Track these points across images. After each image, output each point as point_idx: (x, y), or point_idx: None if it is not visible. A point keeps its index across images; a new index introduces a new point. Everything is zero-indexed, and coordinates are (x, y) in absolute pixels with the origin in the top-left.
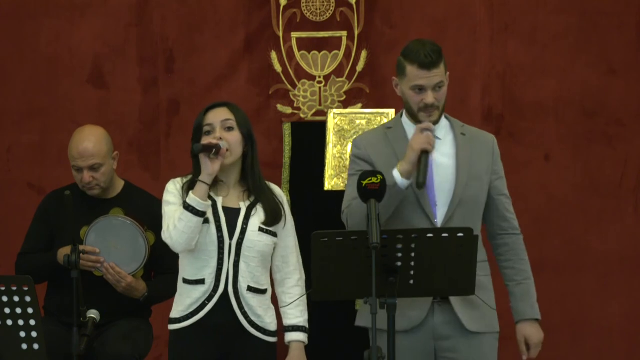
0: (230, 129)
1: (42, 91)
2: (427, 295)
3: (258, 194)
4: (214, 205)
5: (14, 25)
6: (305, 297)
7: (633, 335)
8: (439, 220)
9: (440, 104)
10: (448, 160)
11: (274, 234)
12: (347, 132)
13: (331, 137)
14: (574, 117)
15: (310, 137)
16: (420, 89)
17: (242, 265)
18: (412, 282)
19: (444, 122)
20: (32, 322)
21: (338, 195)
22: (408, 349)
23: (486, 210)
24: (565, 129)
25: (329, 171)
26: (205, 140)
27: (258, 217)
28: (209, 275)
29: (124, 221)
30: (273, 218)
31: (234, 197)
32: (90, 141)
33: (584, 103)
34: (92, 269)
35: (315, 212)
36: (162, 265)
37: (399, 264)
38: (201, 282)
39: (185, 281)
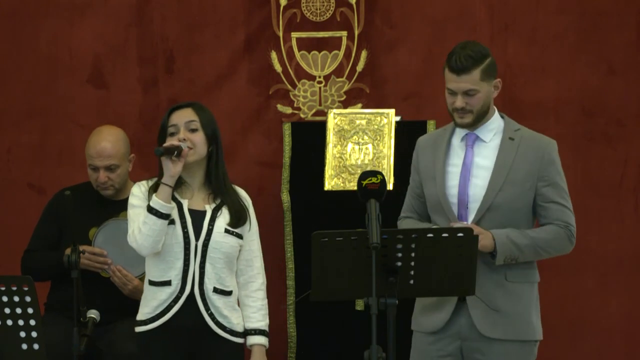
0: (194, 130)
1: (42, 91)
2: (427, 295)
3: (222, 195)
4: (180, 207)
5: (14, 25)
6: (266, 301)
7: (633, 335)
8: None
9: (474, 108)
10: (487, 164)
11: (240, 236)
12: (347, 132)
13: (331, 137)
14: (574, 117)
15: (310, 137)
16: (452, 92)
17: (207, 266)
18: (412, 282)
19: (494, 124)
20: (32, 322)
21: (338, 195)
22: (435, 351)
23: (538, 218)
24: (565, 129)
25: (329, 171)
26: (169, 142)
27: (223, 218)
28: (175, 276)
29: None
30: (237, 219)
31: (199, 200)
32: (109, 141)
33: (583, 103)
34: (100, 270)
35: (315, 212)
36: None
37: (399, 264)
38: (167, 283)
39: (151, 283)
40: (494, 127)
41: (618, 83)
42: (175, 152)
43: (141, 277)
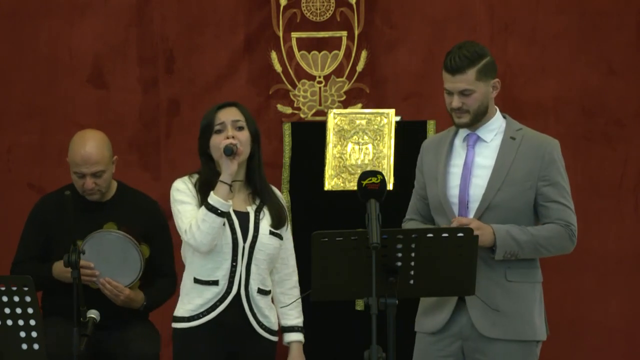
0: (240, 128)
1: (42, 91)
2: (427, 295)
3: (264, 196)
4: None
5: (14, 25)
6: (300, 298)
7: (633, 335)
8: None
9: (471, 108)
10: (488, 164)
11: (281, 237)
12: (347, 132)
13: (331, 137)
14: (574, 117)
15: (310, 137)
16: (449, 92)
17: (253, 267)
18: (412, 282)
19: (495, 124)
20: (32, 322)
21: (338, 195)
22: (436, 351)
23: (539, 217)
24: (565, 129)
25: (329, 171)
26: (217, 139)
27: (267, 220)
28: (222, 277)
29: (117, 236)
30: (280, 221)
31: (240, 201)
32: (93, 147)
33: (583, 103)
34: (88, 283)
35: (315, 212)
36: (158, 269)
37: (399, 264)
38: (214, 283)
39: (197, 281)
40: (495, 127)
41: (618, 83)
42: (233, 151)
43: (131, 286)
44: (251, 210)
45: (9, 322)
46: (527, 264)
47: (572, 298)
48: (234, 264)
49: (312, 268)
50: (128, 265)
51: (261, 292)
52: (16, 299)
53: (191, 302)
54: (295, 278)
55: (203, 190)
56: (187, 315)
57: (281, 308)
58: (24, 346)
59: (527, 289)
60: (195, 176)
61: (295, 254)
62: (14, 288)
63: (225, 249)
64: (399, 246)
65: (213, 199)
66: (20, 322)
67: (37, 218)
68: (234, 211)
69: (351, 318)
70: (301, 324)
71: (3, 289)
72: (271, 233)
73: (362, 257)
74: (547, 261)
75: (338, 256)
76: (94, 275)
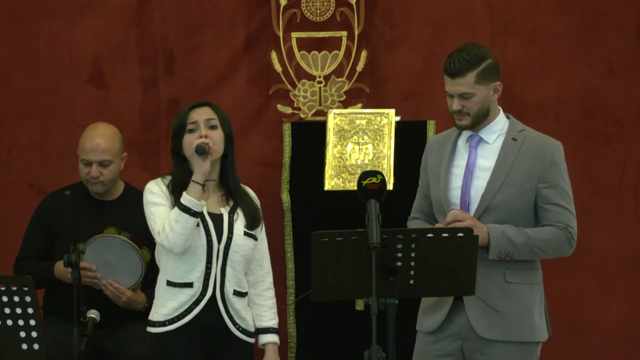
0: (213, 127)
1: (42, 91)
2: (427, 295)
3: (237, 197)
4: None
5: (14, 25)
6: (275, 300)
7: (633, 335)
8: None
9: (471, 111)
10: (490, 165)
11: (255, 238)
12: (347, 132)
13: (331, 137)
14: (574, 117)
15: (310, 137)
16: (449, 95)
17: (228, 269)
18: (412, 282)
19: (498, 125)
20: (32, 322)
21: (338, 195)
22: (435, 350)
23: (539, 219)
24: (565, 129)
25: (329, 171)
26: (190, 138)
27: (241, 221)
28: (197, 279)
29: (118, 240)
30: (254, 222)
31: (214, 202)
32: (104, 137)
33: (583, 103)
34: (90, 284)
35: (315, 212)
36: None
37: (399, 264)
38: (189, 285)
39: (170, 283)
40: (498, 129)
41: (618, 83)
42: (205, 150)
43: (133, 288)
44: (225, 211)
45: (9, 322)
46: (526, 265)
47: (572, 298)
48: (209, 265)
49: (312, 268)
50: (129, 269)
51: (237, 294)
52: (16, 299)
53: (165, 306)
54: (270, 279)
55: (176, 191)
56: (161, 319)
57: (254, 311)
58: (24, 346)
59: (526, 290)
60: (169, 177)
61: (295, 254)
62: (14, 288)
63: (199, 251)
64: (399, 246)
65: (186, 199)
66: (20, 322)
67: (41, 215)
68: (208, 213)
69: (351, 318)
70: (276, 325)
71: (3, 289)
72: (245, 234)
73: (362, 257)
74: (547, 262)
75: (338, 256)
76: (95, 277)
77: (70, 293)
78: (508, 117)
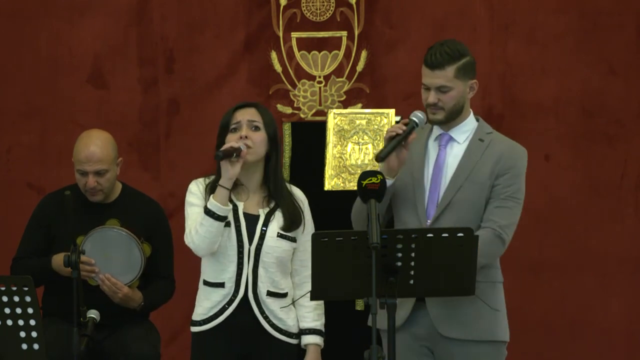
0: (256, 128)
1: (42, 91)
2: (427, 295)
3: (278, 198)
4: (235, 210)
5: (14, 25)
6: (322, 301)
7: (633, 335)
8: (430, 220)
9: (446, 106)
10: (455, 163)
11: (293, 239)
12: (347, 132)
13: (331, 137)
14: (574, 117)
15: (310, 137)
16: (426, 87)
17: (260, 270)
18: (412, 282)
19: (469, 126)
20: (32, 322)
21: (338, 195)
22: (400, 347)
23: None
24: (565, 129)
25: (329, 171)
26: (231, 138)
27: (277, 222)
28: (228, 279)
29: (119, 232)
30: (292, 223)
31: (253, 203)
32: (98, 146)
33: (583, 103)
34: (87, 278)
35: (315, 212)
36: (157, 271)
37: (399, 264)
38: (221, 285)
39: (206, 283)
40: (468, 129)
41: (618, 83)
42: (235, 154)
43: (130, 285)
44: (262, 212)
45: (9, 322)
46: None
47: (572, 298)
48: (240, 266)
49: (312, 268)
50: (129, 263)
51: (272, 294)
52: (16, 299)
53: (201, 305)
54: None
55: (213, 192)
56: (199, 318)
57: (298, 312)
58: (24, 346)
59: (487, 288)
60: (212, 177)
61: None
62: (14, 288)
63: (230, 251)
64: (399, 246)
65: (211, 202)
66: (20, 322)
67: (40, 216)
68: (244, 214)
69: (351, 318)
70: (320, 327)
71: (3, 289)
72: (280, 235)
73: (362, 257)
74: (547, 261)
75: (338, 256)
76: (93, 272)
77: (70, 293)
78: (477, 120)
